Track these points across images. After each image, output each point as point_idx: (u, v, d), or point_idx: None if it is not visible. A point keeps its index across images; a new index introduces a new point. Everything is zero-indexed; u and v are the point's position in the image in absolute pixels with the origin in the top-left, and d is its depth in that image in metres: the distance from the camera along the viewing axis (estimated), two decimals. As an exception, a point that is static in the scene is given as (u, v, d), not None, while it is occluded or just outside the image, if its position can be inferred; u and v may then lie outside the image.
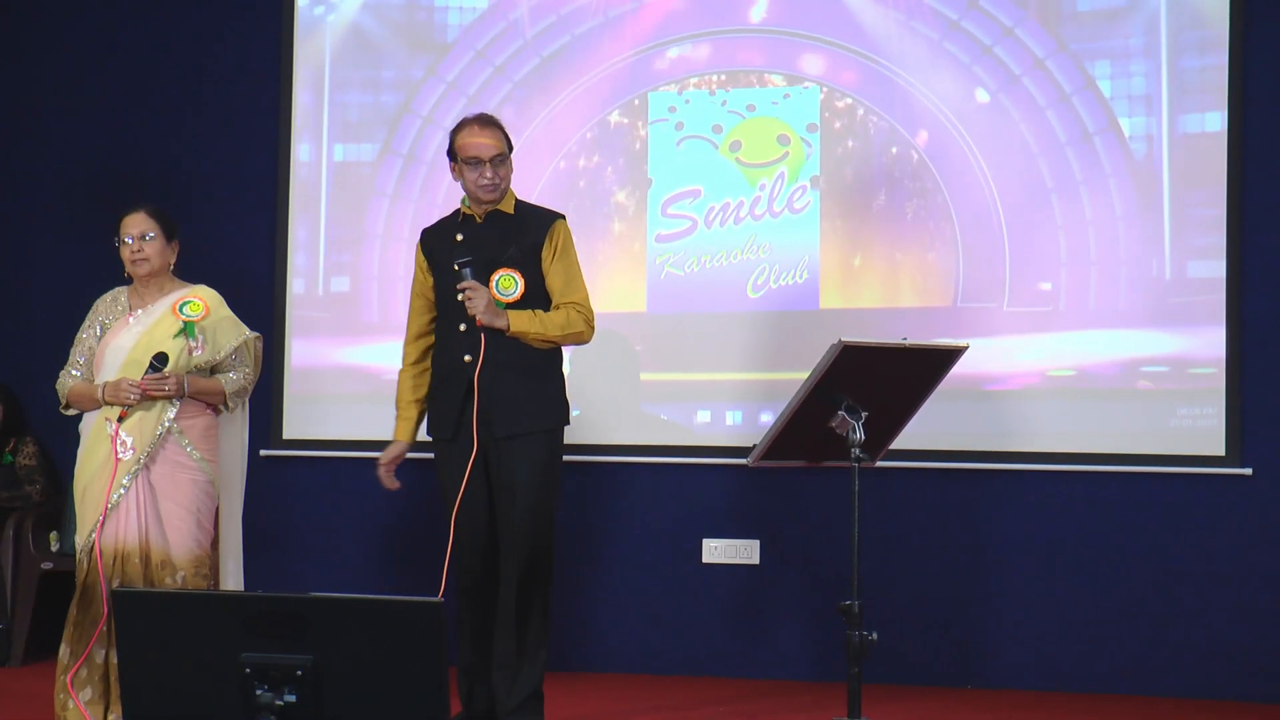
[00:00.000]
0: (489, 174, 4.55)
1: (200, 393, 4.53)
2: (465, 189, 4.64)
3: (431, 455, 4.71)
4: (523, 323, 4.51)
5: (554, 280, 4.60)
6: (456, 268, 4.52)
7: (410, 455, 4.72)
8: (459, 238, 4.63)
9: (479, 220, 4.64)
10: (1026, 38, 5.67)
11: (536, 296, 4.58)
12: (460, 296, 4.50)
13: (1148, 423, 5.51)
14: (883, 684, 5.36)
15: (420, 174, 6.04)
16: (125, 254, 4.58)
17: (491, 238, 4.60)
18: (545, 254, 4.60)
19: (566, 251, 4.63)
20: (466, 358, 4.53)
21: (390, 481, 4.77)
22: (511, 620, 4.55)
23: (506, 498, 4.54)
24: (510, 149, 4.64)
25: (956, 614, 5.67)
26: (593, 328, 4.66)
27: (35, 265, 6.42)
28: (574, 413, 4.81)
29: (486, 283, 4.50)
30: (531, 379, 4.56)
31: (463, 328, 4.55)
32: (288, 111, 6.16)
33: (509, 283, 4.52)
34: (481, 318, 4.46)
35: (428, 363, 4.72)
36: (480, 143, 4.56)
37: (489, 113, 4.75)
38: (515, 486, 4.53)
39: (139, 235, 4.57)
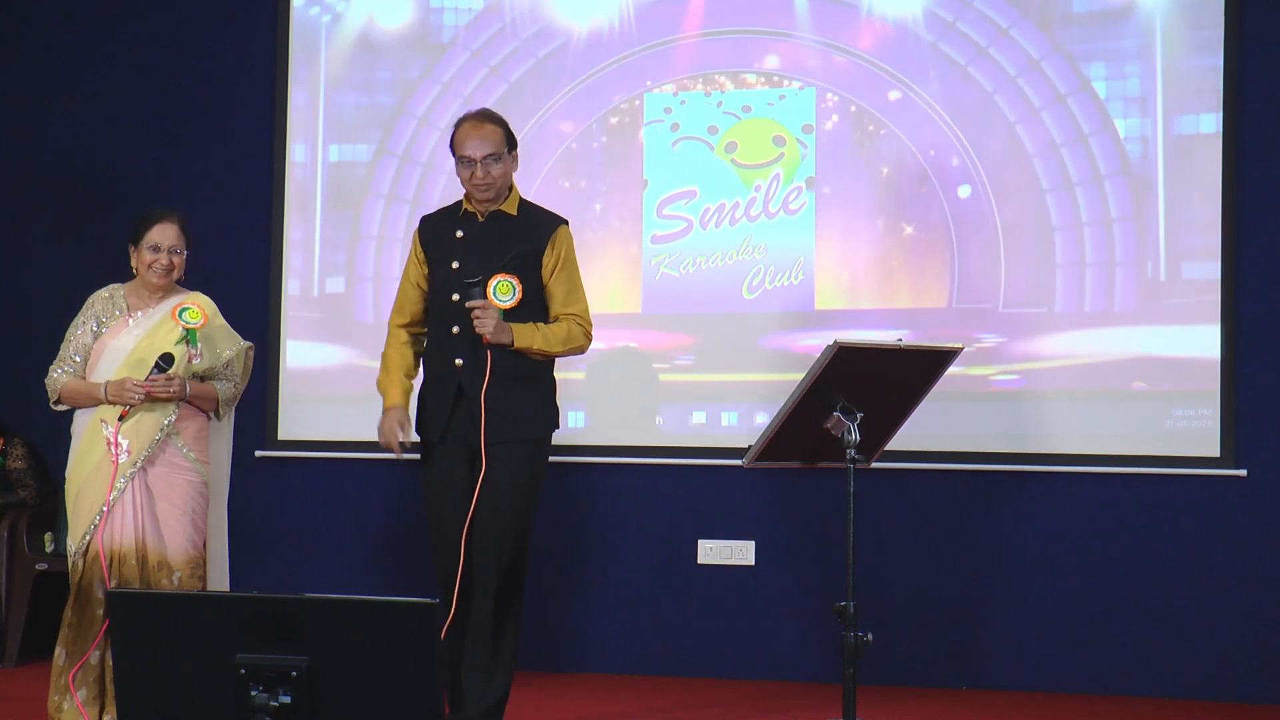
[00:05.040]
0: (480, 173, 4.49)
1: (197, 397, 4.52)
2: (463, 185, 4.61)
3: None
4: (526, 338, 4.47)
5: (556, 289, 4.56)
6: (466, 283, 4.45)
7: (407, 456, 4.68)
8: (459, 234, 4.57)
9: (480, 219, 4.58)
10: (1022, 39, 5.67)
11: (533, 302, 4.54)
12: (471, 316, 4.43)
13: (1143, 424, 5.51)
14: (878, 685, 5.36)
15: (416, 175, 6.03)
16: (148, 259, 4.53)
17: (492, 238, 4.54)
18: (547, 260, 4.55)
19: (569, 260, 4.58)
20: (458, 361, 4.49)
21: (404, 444, 4.60)
22: (489, 625, 4.52)
23: (490, 503, 4.49)
24: (511, 147, 4.56)
25: (952, 615, 5.67)
26: (591, 339, 4.64)
27: (30, 266, 6.40)
28: (569, 419, 4.78)
29: (485, 288, 4.46)
30: (525, 387, 4.53)
31: (455, 330, 4.50)
32: (283, 112, 6.15)
33: (506, 289, 4.45)
34: (490, 337, 4.44)
35: (419, 346, 4.66)
36: (473, 141, 4.50)
37: (490, 109, 4.67)
38: (501, 492, 4.48)
39: (169, 248, 4.55)
